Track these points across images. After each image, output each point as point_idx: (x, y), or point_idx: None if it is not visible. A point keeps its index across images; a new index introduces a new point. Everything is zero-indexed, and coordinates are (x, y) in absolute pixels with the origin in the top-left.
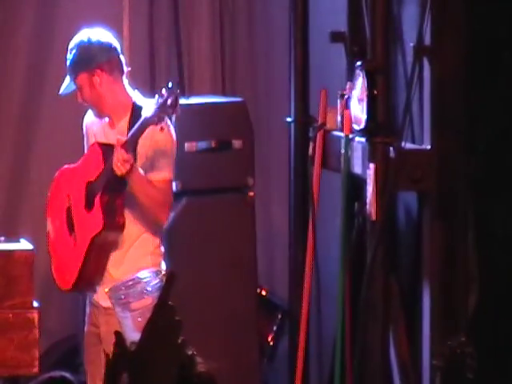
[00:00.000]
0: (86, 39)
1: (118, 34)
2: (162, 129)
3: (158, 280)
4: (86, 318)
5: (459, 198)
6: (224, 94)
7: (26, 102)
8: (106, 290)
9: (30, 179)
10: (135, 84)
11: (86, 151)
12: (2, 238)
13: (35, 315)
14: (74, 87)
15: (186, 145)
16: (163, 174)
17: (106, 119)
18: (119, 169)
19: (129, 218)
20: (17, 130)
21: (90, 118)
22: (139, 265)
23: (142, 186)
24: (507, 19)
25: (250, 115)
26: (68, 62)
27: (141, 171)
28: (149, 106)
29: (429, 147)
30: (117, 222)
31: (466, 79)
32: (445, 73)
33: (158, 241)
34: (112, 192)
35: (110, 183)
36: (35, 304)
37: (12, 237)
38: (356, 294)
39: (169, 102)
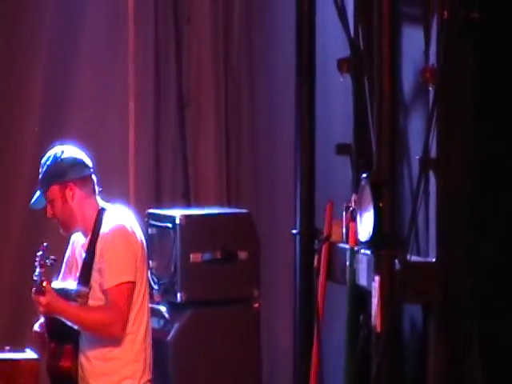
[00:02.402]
0: (59, 154)
1: (124, 143)
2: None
3: None
4: None
5: (464, 311)
6: (229, 206)
7: None
8: None
9: None
10: (139, 194)
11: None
12: (8, 348)
13: None
14: (44, 203)
15: (192, 256)
16: (111, 281)
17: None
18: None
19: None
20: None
21: (75, 236)
22: (114, 378)
23: (72, 320)
24: (509, 133)
25: (255, 227)
26: (40, 176)
27: (68, 305)
28: (106, 224)
29: (434, 260)
30: (60, 366)
31: (471, 192)
32: (450, 186)
33: (137, 348)
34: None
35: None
36: None
37: (17, 347)
38: None
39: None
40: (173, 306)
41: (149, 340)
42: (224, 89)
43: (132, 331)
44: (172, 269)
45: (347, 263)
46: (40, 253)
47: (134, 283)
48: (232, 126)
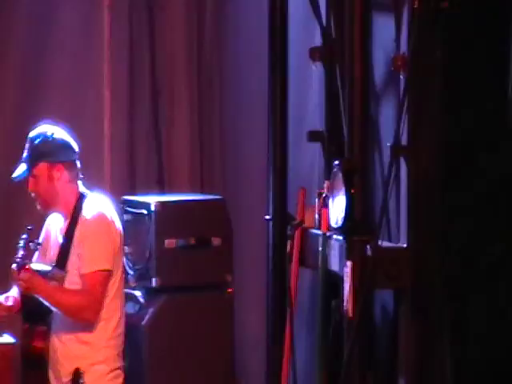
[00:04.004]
0: (49, 133)
1: (99, 131)
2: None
3: None
4: None
5: (434, 296)
6: (203, 192)
7: None
8: None
9: None
10: (114, 181)
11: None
12: None
13: None
14: (25, 175)
15: (166, 241)
16: (89, 267)
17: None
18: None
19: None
20: None
21: (50, 219)
22: (85, 362)
23: (49, 300)
24: (481, 121)
25: (228, 213)
26: (28, 150)
27: (47, 285)
28: (86, 210)
29: (405, 245)
30: (33, 346)
31: (442, 179)
32: (421, 173)
33: (109, 335)
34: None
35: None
36: None
37: None
38: None
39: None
40: (148, 291)
41: (121, 328)
42: (196, 77)
43: (105, 318)
44: (147, 254)
45: (319, 249)
46: (24, 236)
47: (110, 271)
48: (205, 114)
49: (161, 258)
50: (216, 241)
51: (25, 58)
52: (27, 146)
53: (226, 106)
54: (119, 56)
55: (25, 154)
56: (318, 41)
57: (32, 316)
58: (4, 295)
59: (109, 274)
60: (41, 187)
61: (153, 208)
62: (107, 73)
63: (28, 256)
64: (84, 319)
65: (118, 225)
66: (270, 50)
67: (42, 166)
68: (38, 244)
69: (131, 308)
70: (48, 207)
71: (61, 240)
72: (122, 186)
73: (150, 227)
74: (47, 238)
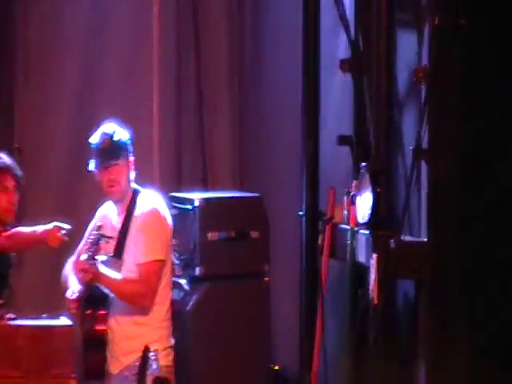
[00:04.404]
0: (122, 132)
1: (149, 134)
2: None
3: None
4: None
5: (452, 286)
6: (242, 190)
7: None
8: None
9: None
10: (163, 179)
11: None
12: (45, 315)
13: None
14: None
15: (209, 234)
16: (145, 257)
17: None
18: (84, 276)
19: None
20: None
21: (105, 209)
22: (142, 341)
23: (111, 288)
24: (498, 128)
25: (265, 209)
26: (110, 144)
27: (109, 275)
28: (142, 204)
29: (425, 240)
30: (96, 329)
31: (459, 179)
32: (440, 173)
33: (162, 316)
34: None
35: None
36: (74, 374)
37: (53, 314)
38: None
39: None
40: (192, 280)
41: (171, 311)
42: (237, 85)
43: (159, 302)
44: (191, 246)
45: (348, 242)
46: (96, 232)
47: (164, 261)
48: (243, 119)
49: (204, 249)
50: (254, 234)
51: (81, 68)
52: (107, 140)
53: (262, 112)
54: (167, 65)
55: (107, 147)
56: (341, 53)
57: (94, 302)
58: (70, 290)
59: (163, 264)
60: (122, 177)
61: (197, 204)
62: (156, 80)
63: (97, 250)
64: (141, 305)
65: (169, 219)
66: (303, 61)
67: (126, 159)
68: (110, 237)
69: (177, 295)
70: (121, 197)
71: (117, 231)
72: (169, 183)
73: (195, 221)
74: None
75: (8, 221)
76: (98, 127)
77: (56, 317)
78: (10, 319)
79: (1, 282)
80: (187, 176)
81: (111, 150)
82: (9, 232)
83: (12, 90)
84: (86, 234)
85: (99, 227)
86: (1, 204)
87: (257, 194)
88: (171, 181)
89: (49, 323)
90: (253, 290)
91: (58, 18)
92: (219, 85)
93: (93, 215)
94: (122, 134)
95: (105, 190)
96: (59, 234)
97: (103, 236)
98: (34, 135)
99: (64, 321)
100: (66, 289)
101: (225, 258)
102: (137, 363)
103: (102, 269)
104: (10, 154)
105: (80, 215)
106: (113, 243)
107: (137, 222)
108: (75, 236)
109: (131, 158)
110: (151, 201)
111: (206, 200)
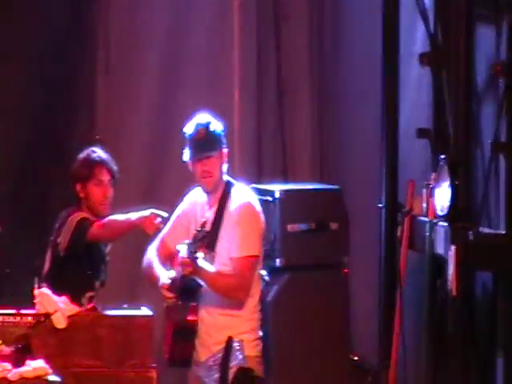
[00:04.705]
0: (215, 122)
1: (230, 127)
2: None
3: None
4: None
5: None
6: (321, 182)
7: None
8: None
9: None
10: (244, 171)
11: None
12: (125, 305)
13: (154, 374)
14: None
15: (289, 226)
16: (241, 251)
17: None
18: (183, 270)
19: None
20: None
21: (194, 196)
22: (234, 332)
23: (208, 282)
24: None
25: (345, 201)
26: (208, 135)
27: (207, 269)
28: (237, 198)
29: (504, 232)
30: (187, 320)
31: None
32: None
33: (252, 309)
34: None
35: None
36: (153, 364)
37: (134, 305)
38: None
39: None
40: (272, 270)
41: (260, 303)
42: (317, 79)
43: (251, 295)
44: (272, 237)
45: (426, 234)
46: (200, 229)
47: (259, 257)
48: (323, 112)
49: (284, 240)
50: (334, 225)
51: (161, 61)
52: (202, 131)
53: (342, 103)
54: (248, 59)
55: (202, 138)
56: (418, 47)
57: (186, 293)
58: (164, 277)
59: (257, 259)
60: (216, 169)
61: (277, 196)
62: (237, 75)
63: (199, 247)
64: (235, 298)
65: (262, 214)
66: (383, 56)
67: (220, 150)
68: (207, 232)
69: None
70: (213, 188)
71: (209, 223)
72: (250, 175)
73: (275, 213)
74: (192, 213)
75: (102, 213)
76: (180, 118)
77: (137, 307)
78: (94, 309)
79: (93, 274)
80: (268, 168)
81: (206, 142)
82: (102, 221)
83: (93, 82)
84: (171, 219)
85: (204, 223)
86: (96, 197)
87: (336, 186)
88: (252, 172)
89: (129, 313)
90: (332, 281)
91: (139, 9)
92: (299, 76)
93: (174, 205)
94: (216, 125)
95: (198, 181)
96: (156, 221)
97: (207, 233)
98: (115, 127)
99: (144, 311)
100: (148, 275)
101: (305, 250)
102: (221, 354)
103: (201, 263)
104: (92, 145)
105: (161, 205)
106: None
107: (232, 215)
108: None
109: (225, 150)
110: (246, 195)
111: (287, 192)
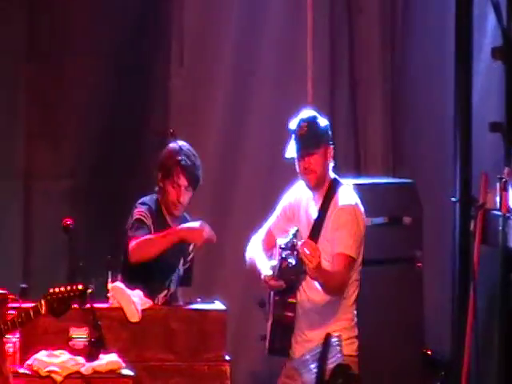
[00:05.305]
0: (320, 118)
1: None
2: None
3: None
4: (283, 370)
5: None
6: (394, 176)
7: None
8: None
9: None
10: None
11: (275, 219)
12: (199, 299)
13: (227, 367)
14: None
15: None
16: (341, 249)
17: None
18: (309, 261)
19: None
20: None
21: (299, 192)
22: (332, 329)
23: (320, 278)
24: None
25: (418, 195)
26: (314, 131)
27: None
28: (344, 197)
29: None
30: (285, 315)
31: None
32: None
33: (347, 308)
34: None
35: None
36: (227, 357)
37: (208, 298)
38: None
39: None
40: None
41: (356, 304)
42: (390, 69)
43: (347, 296)
44: None
45: (499, 228)
46: (295, 229)
47: (355, 260)
48: (396, 105)
49: None
50: (407, 219)
51: (235, 53)
52: (306, 127)
53: (414, 98)
54: (321, 48)
55: (306, 135)
56: (488, 40)
57: (283, 290)
58: (266, 269)
59: (354, 261)
60: (319, 167)
61: None
62: (310, 67)
63: (293, 248)
64: (332, 295)
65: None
66: (456, 51)
67: (325, 147)
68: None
69: None
70: (316, 184)
71: (312, 220)
72: None
73: None
74: (297, 205)
75: (174, 213)
76: (252, 113)
77: (210, 301)
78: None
79: (169, 274)
80: (341, 162)
81: (308, 138)
82: (136, 242)
83: (167, 75)
84: (277, 209)
85: (297, 232)
86: (169, 197)
87: (410, 180)
88: None
89: (203, 307)
90: (406, 275)
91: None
92: (372, 70)
93: (248, 208)
94: (321, 121)
95: (300, 176)
96: (204, 233)
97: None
98: (189, 120)
99: (218, 305)
100: (251, 268)
101: (378, 243)
102: (319, 349)
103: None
104: (165, 137)
105: (236, 206)
106: (307, 229)
107: (337, 214)
108: (229, 230)
109: (331, 147)
110: (353, 196)
111: (360, 186)
